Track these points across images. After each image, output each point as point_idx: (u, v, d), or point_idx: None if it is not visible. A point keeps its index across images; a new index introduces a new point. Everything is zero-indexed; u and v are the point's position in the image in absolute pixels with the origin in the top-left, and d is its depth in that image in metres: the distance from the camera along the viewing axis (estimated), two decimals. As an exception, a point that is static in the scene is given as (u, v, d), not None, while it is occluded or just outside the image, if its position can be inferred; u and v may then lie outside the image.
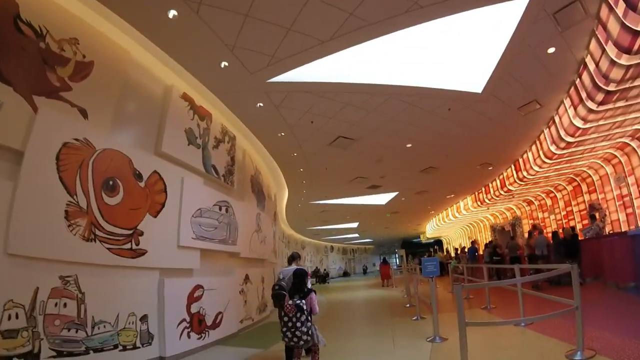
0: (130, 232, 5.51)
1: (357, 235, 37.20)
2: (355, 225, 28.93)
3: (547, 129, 10.85)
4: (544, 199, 18.68)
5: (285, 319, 4.20)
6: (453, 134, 10.22)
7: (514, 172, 14.88)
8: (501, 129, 10.27)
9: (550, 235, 14.23)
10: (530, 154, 12.92)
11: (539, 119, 10.11)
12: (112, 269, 5.21)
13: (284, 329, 4.18)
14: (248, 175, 9.93)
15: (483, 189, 19.15)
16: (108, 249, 5.14)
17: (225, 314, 7.35)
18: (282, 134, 9.25)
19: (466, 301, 10.42)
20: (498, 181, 17.00)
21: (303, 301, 4.21)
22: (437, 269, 6.40)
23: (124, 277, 5.36)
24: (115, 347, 5.02)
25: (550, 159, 11.83)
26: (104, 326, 4.91)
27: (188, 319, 6.26)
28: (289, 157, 11.00)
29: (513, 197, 18.49)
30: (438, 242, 42.77)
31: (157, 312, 5.77)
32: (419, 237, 46.09)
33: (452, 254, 25.60)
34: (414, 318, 8.21)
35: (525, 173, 13.90)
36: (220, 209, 7.66)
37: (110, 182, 5.32)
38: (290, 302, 4.20)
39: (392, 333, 7.00)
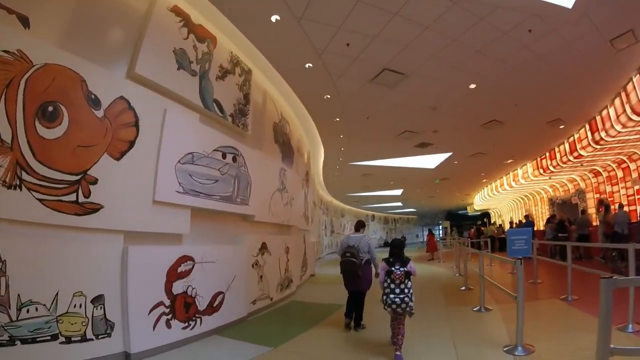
0: (77, 177, 3.78)
1: (400, 204, 35.01)
2: (399, 192, 26.69)
3: (639, 75, 8.42)
4: (614, 169, 15.79)
5: (392, 285, 4.23)
6: (529, 72, 7.80)
7: (589, 133, 12.31)
8: (586, 69, 7.87)
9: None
10: (612, 110, 10.38)
11: (631, 60, 7.73)
12: (48, 229, 3.56)
13: (392, 296, 4.20)
14: (270, 121, 7.99)
15: (547, 154, 16.47)
16: (40, 200, 3.47)
17: (228, 294, 5.58)
18: (310, 65, 7.14)
19: (532, 286, 8.32)
20: (567, 144, 14.35)
21: (405, 268, 4.28)
22: (529, 246, 4.26)
23: (67, 242, 3.71)
24: (54, 337, 3.47)
25: (638, 114, 9.27)
26: (36, 309, 3.39)
27: (168, 302, 4.53)
28: (321, 100, 8.86)
29: (581, 165, 15.79)
30: (485, 215, 40.33)
31: (120, 292, 4.08)
32: (466, 209, 43.82)
33: (506, 228, 23.26)
34: (475, 308, 6.30)
35: (603, 134, 11.35)
36: (224, 156, 5.77)
37: (50, 108, 3.61)
38: (394, 269, 4.26)
39: (451, 333, 5.03)
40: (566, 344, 4.20)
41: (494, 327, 5.18)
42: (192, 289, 4.89)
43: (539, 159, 17.50)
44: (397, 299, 4.16)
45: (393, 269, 4.25)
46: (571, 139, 13.86)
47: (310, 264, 11.67)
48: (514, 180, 21.15)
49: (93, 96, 3.99)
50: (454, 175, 20.05)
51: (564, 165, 15.70)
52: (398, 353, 4.13)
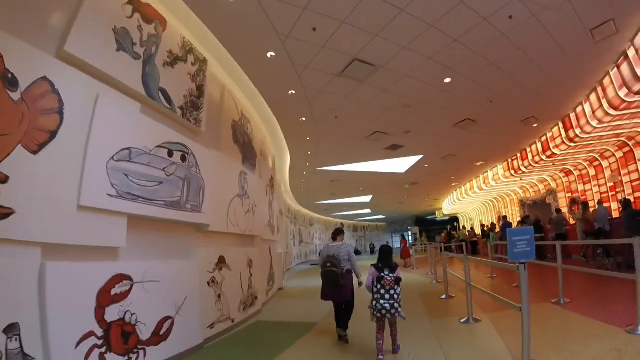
0: (-22, 175, 2.88)
1: (369, 211, 34.60)
2: (368, 199, 26.19)
3: (616, 69, 8.33)
4: (586, 168, 15.95)
5: (382, 291, 4.27)
6: (507, 65, 7.48)
7: (562, 131, 12.24)
8: (564, 61, 7.59)
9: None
10: (587, 106, 10.34)
11: (609, 52, 7.61)
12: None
13: (382, 302, 4.23)
14: (228, 119, 7.18)
15: (519, 155, 16.42)
16: None
17: (178, 318, 4.68)
18: (272, 54, 6.40)
19: (517, 290, 7.87)
20: (539, 144, 14.28)
21: (395, 274, 4.35)
22: (532, 247, 3.64)
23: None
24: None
25: (616, 109, 9.26)
26: None
27: (100, 332, 3.61)
28: (286, 96, 8.13)
29: (553, 164, 15.88)
30: (454, 220, 40.62)
31: (40, 320, 3.17)
32: (434, 214, 44.03)
33: (477, 232, 23.15)
34: (462, 320, 5.67)
35: (578, 131, 11.28)
36: (170, 154, 4.90)
37: (-49, 88, 2.72)
38: (383, 274, 4.31)
39: (443, 350, 4.38)
40: (578, 356, 3.63)
41: (490, 341, 4.57)
42: (132, 314, 3.98)
43: (509, 160, 17.42)
44: (387, 305, 4.21)
45: (383, 274, 4.31)
46: (544, 138, 13.78)
47: (278, 277, 10.82)
48: (484, 183, 21.06)
49: (10, 75, 3.12)
50: (424, 180, 19.72)
51: (536, 165, 15.66)
52: (381, 356, 4.18)
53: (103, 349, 3.63)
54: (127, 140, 4.21)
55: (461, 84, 8.06)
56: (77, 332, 3.44)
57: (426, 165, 15.99)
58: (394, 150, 12.88)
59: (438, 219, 44.61)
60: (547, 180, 19.26)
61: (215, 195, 5.91)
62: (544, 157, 14.34)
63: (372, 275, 4.43)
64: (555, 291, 6.21)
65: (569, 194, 17.32)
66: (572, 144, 12.40)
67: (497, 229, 17.23)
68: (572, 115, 11.30)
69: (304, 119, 9.43)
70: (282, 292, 10.94)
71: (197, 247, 5.47)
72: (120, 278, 3.89)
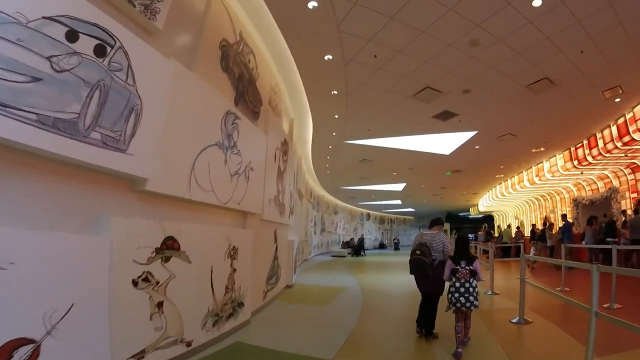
0: None
1: (399, 202, 31.83)
2: (400, 187, 23.43)
3: None
4: None
5: (457, 284, 4.20)
6: None
7: None
8: None
9: None
10: None
11: None
12: None
13: (457, 295, 4.17)
14: (215, 35, 4.73)
15: (585, 142, 13.62)
16: None
17: (50, 343, 2.30)
18: None
19: (612, 315, 5.36)
20: (614, 128, 11.61)
21: (471, 267, 4.23)
22: None
23: None
24: None
25: None
26: None
27: None
28: (305, 12, 5.50)
29: (625, 155, 13.02)
30: (489, 218, 38.05)
31: None
32: (468, 211, 41.52)
33: (525, 232, 20.28)
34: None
35: None
36: (71, 37, 2.49)
37: None
38: (459, 267, 4.23)
39: None
40: None
41: None
42: None
43: (573, 149, 14.56)
44: (461, 298, 4.11)
45: (459, 267, 4.23)
46: (621, 120, 11.11)
47: (285, 272, 8.39)
48: (536, 176, 18.08)
49: None
50: (469, 167, 16.88)
51: (607, 155, 12.90)
52: (459, 350, 4.00)
53: None
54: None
55: (553, 13, 5.43)
56: None
57: (477, 147, 13.17)
58: (445, 120, 10.08)
59: (471, 216, 42.29)
60: (608, 177, 16.29)
61: (167, 132, 3.51)
62: (618, 145, 11.66)
63: (448, 267, 4.36)
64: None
65: (634, 194, 14.50)
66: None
67: (555, 230, 14.63)
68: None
69: (330, 56, 6.77)
70: (289, 292, 8.52)
71: (117, 217, 3.05)
72: None
